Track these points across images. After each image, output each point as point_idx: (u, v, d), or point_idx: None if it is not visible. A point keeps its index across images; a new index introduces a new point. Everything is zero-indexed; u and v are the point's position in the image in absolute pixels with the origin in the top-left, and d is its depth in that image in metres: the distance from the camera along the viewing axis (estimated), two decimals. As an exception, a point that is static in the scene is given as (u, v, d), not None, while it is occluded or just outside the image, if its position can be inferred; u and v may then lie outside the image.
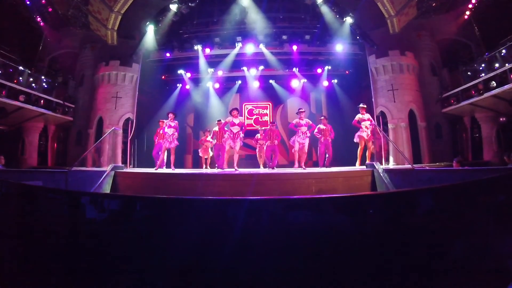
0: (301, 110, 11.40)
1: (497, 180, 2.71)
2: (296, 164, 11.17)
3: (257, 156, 13.21)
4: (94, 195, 4.38)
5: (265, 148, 11.95)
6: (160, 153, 11.46)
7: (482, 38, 15.68)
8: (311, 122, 11.20)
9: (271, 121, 17.95)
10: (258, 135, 13.06)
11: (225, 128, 10.92)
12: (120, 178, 9.62)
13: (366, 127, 10.58)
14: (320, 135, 11.33)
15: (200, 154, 13.99)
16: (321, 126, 11.40)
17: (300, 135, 10.99)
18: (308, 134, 11.11)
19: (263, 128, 14.05)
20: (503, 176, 2.82)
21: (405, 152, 14.02)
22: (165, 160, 11.61)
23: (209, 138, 13.05)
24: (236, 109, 10.78)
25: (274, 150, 11.57)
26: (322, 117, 11.76)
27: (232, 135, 10.32)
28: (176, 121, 11.38)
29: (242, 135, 10.54)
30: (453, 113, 15.07)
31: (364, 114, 10.78)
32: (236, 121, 10.35)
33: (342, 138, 14.13)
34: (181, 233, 2.57)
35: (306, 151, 11.27)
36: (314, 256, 2.40)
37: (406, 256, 2.39)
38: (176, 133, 11.29)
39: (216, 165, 11.79)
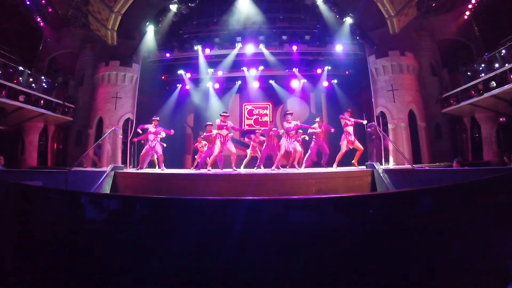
0: (287, 112, 11.39)
1: (497, 180, 2.72)
2: (296, 166, 11.18)
3: (249, 154, 13.14)
4: (94, 195, 4.39)
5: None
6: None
7: (482, 38, 15.70)
8: (299, 124, 11.03)
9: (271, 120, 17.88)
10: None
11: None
12: (120, 178, 9.64)
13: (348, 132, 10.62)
14: (314, 137, 11.34)
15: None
16: (316, 126, 11.31)
17: (288, 140, 10.86)
18: (299, 138, 11.23)
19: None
20: (503, 176, 2.82)
21: (405, 153, 14.02)
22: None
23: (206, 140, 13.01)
24: (225, 113, 10.96)
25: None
26: (318, 119, 11.66)
27: (222, 139, 10.37)
28: (159, 128, 11.40)
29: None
30: (453, 113, 15.10)
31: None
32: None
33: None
34: (181, 234, 2.57)
35: (300, 150, 10.99)
36: (314, 256, 2.40)
37: (405, 256, 2.39)
38: (157, 139, 11.33)
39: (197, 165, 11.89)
